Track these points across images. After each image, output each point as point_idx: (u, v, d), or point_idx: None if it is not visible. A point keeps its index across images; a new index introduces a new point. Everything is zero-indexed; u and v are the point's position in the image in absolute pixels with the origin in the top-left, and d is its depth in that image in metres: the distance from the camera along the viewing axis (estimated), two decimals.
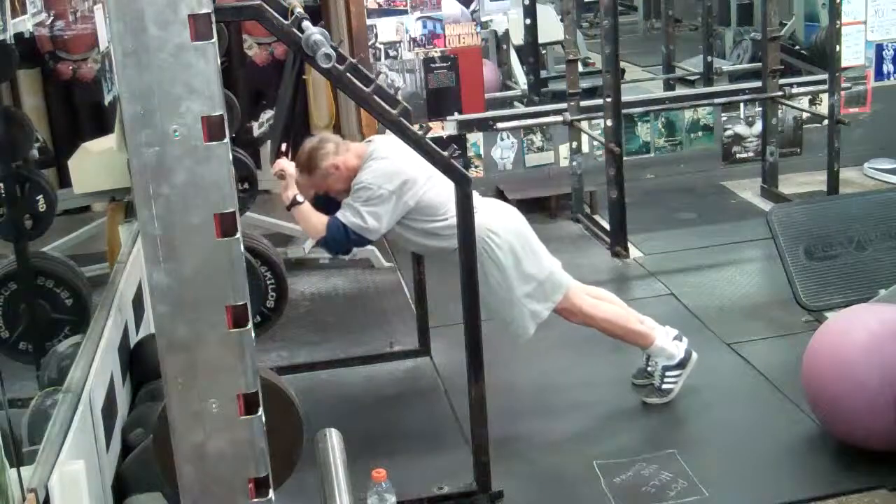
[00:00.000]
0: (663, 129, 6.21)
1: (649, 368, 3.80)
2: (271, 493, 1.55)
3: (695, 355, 3.75)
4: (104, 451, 2.82)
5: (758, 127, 6.14)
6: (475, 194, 3.59)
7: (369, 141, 3.68)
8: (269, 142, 5.52)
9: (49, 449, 2.37)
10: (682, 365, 3.72)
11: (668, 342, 3.73)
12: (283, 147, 3.68)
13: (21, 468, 2.16)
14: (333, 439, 2.27)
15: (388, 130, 3.08)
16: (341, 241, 3.44)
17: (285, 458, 1.80)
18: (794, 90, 6.04)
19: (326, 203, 3.59)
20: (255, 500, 1.52)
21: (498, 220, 3.55)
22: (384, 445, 3.51)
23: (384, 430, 3.68)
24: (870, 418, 3.15)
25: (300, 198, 3.47)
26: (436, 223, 3.50)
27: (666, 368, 3.72)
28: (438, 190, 3.46)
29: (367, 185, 3.41)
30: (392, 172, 3.42)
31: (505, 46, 8.01)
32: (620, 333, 3.73)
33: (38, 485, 2.20)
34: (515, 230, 3.56)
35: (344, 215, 3.42)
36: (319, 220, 3.46)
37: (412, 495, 3.14)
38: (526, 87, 7.56)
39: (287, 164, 3.52)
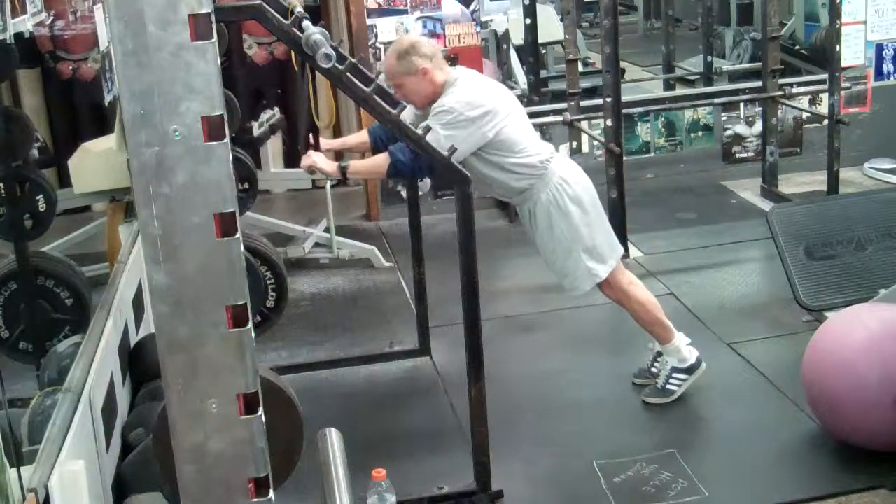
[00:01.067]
0: (663, 129, 6.22)
1: (653, 368, 3.80)
2: (271, 493, 1.55)
3: (704, 365, 3.76)
4: (104, 451, 2.82)
5: (758, 127, 6.14)
6: (551, 147, 3.65)
7: (456, 68, 3.67)
8: (268, 142, 5.53)
9: (49, 449, 2.37)
10: (691, 370, 3.72)
11: (684, 345, 3.73)
12: (311, 139, 3.69)
13: (21, 468, 2.16)
14: (333, 439, 2.27)
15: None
16: (410, 161, 3.34)
17: (285, 458, 1.79)
18: (794, 90, 6.05)
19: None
20: (255, 500, 1.52)
21: (571, 172, 3.58)
22: (384, 445, 3.52)
23: (384, 430, 3.68)
24: (870, 418, 3.15)
25: (343, 163, 3.49)
26: (512, 158, 3.49)
27: (675, 370, 3.72)
28: (519, 126, 3.49)
29: (450, 108, 3.38)
30: (475, 101, 3.41)
31: (505, 46, 8.00)
32: (648, 320, 3.72)
33: (38, 485, 2.20)
34: (587, 185, 3.60)
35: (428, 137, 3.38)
36: (378, 158, 3.46)
37: (412, 495, 3.14)
38: (526, 86, 7.54)
39: (317, 157, 3.52)
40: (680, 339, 3.74)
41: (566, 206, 3.52)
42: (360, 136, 3.89)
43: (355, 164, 3.56)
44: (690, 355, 3.73)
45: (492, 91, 3.52)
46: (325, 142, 3.87)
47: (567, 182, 3.53)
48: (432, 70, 3.47)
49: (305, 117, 4.38)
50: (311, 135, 3.73)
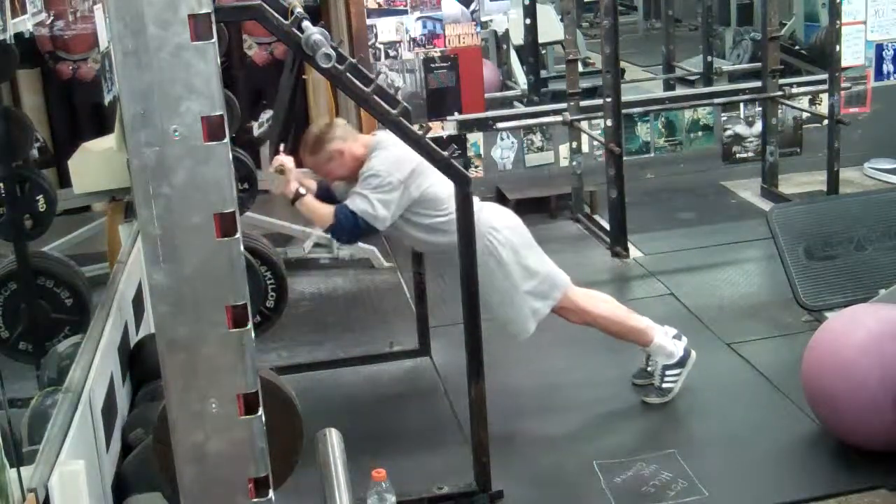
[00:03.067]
0: (663, 129, 6.21)
1: (649, 368, 3.80)
2: (271, 493, 1.55)
3: (693, 354, 3.76)
4: (104, 451, 2.82)
5: (758, 127, 6.14)
6: (475, 198, 3.61)
7: (375, 133, 3.68)
8: (269, 142, 5.54)
9: (49, 449, 2.37)
10: (681, 364, 3.72)
11: (667, 340, 3.73)
12: (282, 146, 3.68)
13: (21, 468, 2.16)
14: (333, 439, 2.27)
15: None
16: (350, 228, 3.43)
17: (285, 458, 1.79)
18: (794, 90, 6.05)
19: (326, 199, 3.60)
20: (255, 500, 1.52)
21: (499, 219, 3.58)
22: (384, 445, 3.51)
23: (384, 430, 3.68)
24: (870, 418, 3.15)
25: (303, 190, 3.48)
26: (438, 218, 3.49)
27: (665, 367, 3.72)
28: (442, 184, 3.46)
29: (377, 172, 3.41)
30: (401, 161, 3.42)
31: (505, 46, 8.02)
32: (620, 330, 3.73)
33: (38, 485, 2.20)
34: (516, 226, 3.59)
35: (353, 202, 3.41)
36: (327, 209, 3.46)
37: (412, 495, 3.14)
38: (526, 87, 7.56)
39: (286, 159, 3.52)
40: (661, 337, 3.73)
41: (500, 256, 3.49)
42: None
43: (309, 201, 3.50)
44: (677, 348, 3.73)
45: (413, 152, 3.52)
46: (287, 159, 3.60)
47: (496, 229, 3.51)
48: (348, 146, 3.51)
49: (284, 117, 4.36)
50: (289, 139, 3.69)
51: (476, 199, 3.57)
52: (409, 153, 3.42)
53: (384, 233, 3.64)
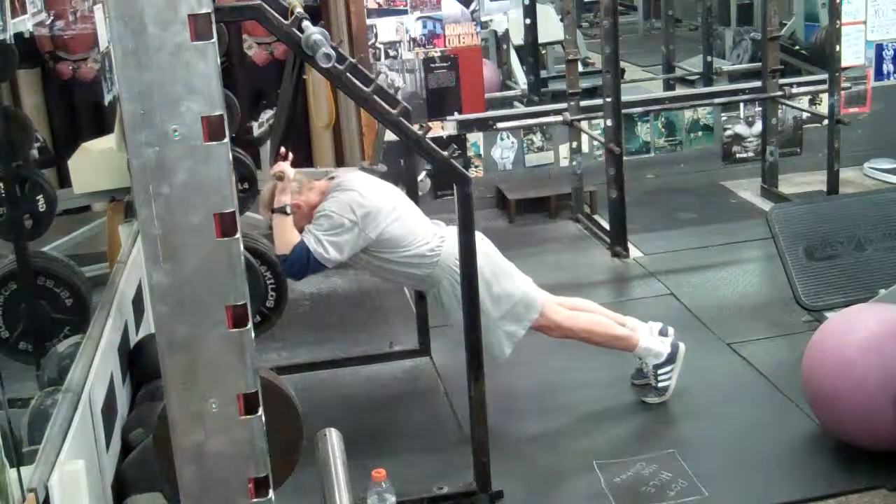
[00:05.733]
0: (663, 129, 6.22)
1: (644, 367, 3.81)
2: (271, 493, 1.55)
3: (682, 347, 3.75)
4: (104, 451, 2.82)
5: (758, 127, 6.14)
6: (440, 224, 3.61)
7: (332, 177, 3.63)
8: (269, 142, 5.53)
9: (49, 449, 2.37)
10: (670, 360, 3.72)
11: (652, 341, 3.72)
12: (282, 150, 3.65)
13: (21, 468, 2.16)
14: (333, 439, 2.27)
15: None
16: (301, 265, 3.36)
17: (285, 458, 1.80)
18: (794, 90, 6.04)
19: None
20: (255, 500, 1.52)
21: None
22: (384, 445, 3.52)
23: (384, 430, 3.68)
24: (870, 418, 3.15)
25: (289, 209, 3.41)
26: (400, 253, 3.47)
27: (657, 367, 3.72)
28: (403, 221, 3.47)
29: (329, 213, 3.38)
30: (355, 203, 3.39)
31: (505, 46, 8.01)
32: (603, 341, 3.73)
33: (38, 485, 2.20)
34: (483, 253, 3.37)
35: (307, 239, 3.36)
36: (291, 238, 3.38)
37: (412, 495, 3.14)
38: (526, 87, 7.55)
39: (286, 167, 3.50)
40: (645, 338, 3.72)
41: None
42: None
43: (285, 222, 3.40)
44: (663, 346, 3.72)
45: (374, 190, 3.46)
46: (286, 167, 3.56)
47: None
48: (304, 199, 3.47)
49: (286, 120, 4.34)
50: (289, 143, 3.65)
51: (440, 226, 3.60)
52: (366, 196, 3.43)
53: (354, 266, 3.65)
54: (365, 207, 3.40)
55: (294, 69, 4.19)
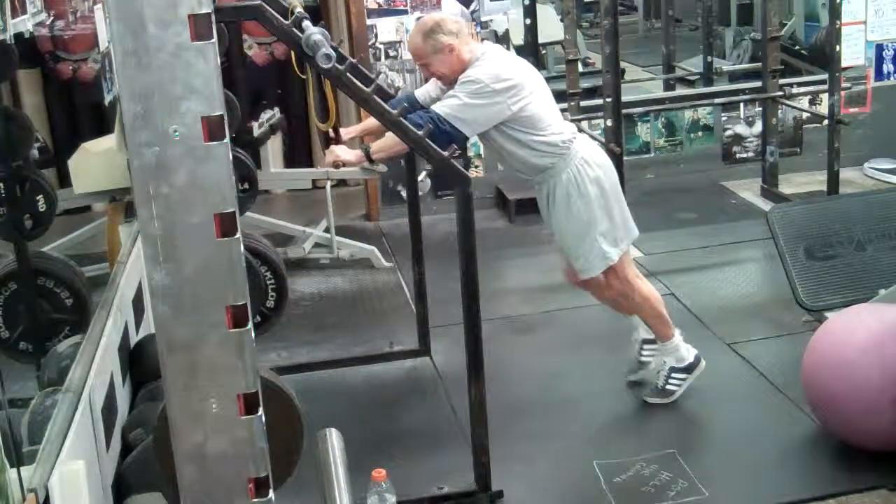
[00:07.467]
0: (663, 129, 6.21)
1: (642, 358, 3.82)
2: (271, 493, 1.55)
3: (703, 363, 3.75)
4: (104, 451, 2.82)
5: (758, 127, 6.14)
6: (574, 128, 3.64)
7: (483, 43, 3.64)
8: (268, 142, 5.53)
9: (49, 449, 2.37)
10: (689, 370, 3.72)
11: (682, 344, 3.73)
12: (332, 133, 3.62)
13: (21, 468, 2.16)
14: (333, 439, 2.27)
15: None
16: (422, 125, 3.18)
17: (285, 458, 1.79)
18: (794, 90, 6.05)
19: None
20: (255, 500, 1.52)
21: (593, 154, 3.55)
22: (384, 445, 3.51)
23: (384, 430, 3.68)
24: (870, 418, 3.15)
25: (365, 146, 3.42)
26: (534, 136, 3.45)
27: (673, 370, 3.72)
28: (543, 105, 3.47)
29: (475, 79, 3.35)
30: (501, 74, 3.37)
31: (505, 46, 8.00)
32: (651, 314, 3.72)
33: (38, 485, 2.20)
34: (607, 168, 3.55)
35: (444, 104, 3.32)
36: (394, 136, 3.27)
37: (412, 495, 3.14)
38: None
39: (339, 150, 3.47)
40: (679, 339, 3.74)
41: (585, 188, 3.47)
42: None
43: (378, 144, 3.45)
44: (689, 354, 3.73)
45: (519, 67, 3.48)
46: (345, 131, 3.76)
47: (588, 164, 3.50)
48: (458, 46, 3.42)
49: (320, 98, 4.31)
50: (331, 130, 3.64)
51: (573, 128, 3.62)
52: (514, 68, 3.44)
53: (484, 143, 3.64)
54: (511, 80, 3.38)
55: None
